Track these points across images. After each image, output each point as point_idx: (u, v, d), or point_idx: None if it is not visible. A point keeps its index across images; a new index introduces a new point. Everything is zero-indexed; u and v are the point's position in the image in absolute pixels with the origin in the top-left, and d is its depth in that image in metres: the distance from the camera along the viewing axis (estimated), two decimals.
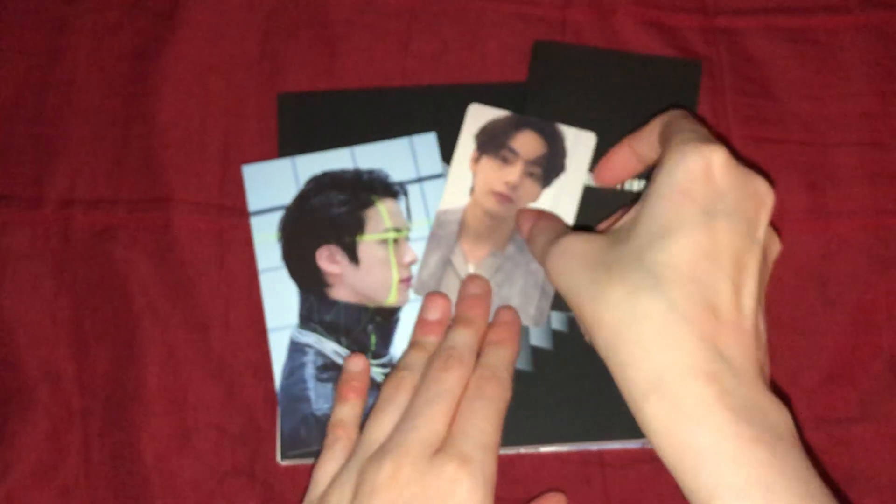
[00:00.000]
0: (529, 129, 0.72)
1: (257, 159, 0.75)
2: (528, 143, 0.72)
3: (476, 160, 0.72)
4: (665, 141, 0.59)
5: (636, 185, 0.72)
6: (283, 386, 0.69)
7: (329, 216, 0.72)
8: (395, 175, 0.73)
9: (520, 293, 0.70)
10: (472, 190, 0.72)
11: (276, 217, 0.72)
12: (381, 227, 0.72)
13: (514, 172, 0.72)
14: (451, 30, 0.78)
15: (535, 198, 0.71)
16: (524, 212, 0.70)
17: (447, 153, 0.73)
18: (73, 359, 0.72)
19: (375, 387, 0.69)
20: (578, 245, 0.59)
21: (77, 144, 0.77)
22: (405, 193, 0.72)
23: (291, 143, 0.74)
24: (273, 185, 0.73)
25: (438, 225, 0.71)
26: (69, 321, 0.73)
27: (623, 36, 0.77)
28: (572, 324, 0.70)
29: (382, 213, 0.72)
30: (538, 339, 0.70)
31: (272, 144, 0.76)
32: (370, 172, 0.73)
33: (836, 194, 0.73)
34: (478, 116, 0.73)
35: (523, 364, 0.69)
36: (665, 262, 0.53)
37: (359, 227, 0.72)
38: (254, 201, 0.73)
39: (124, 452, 0.71)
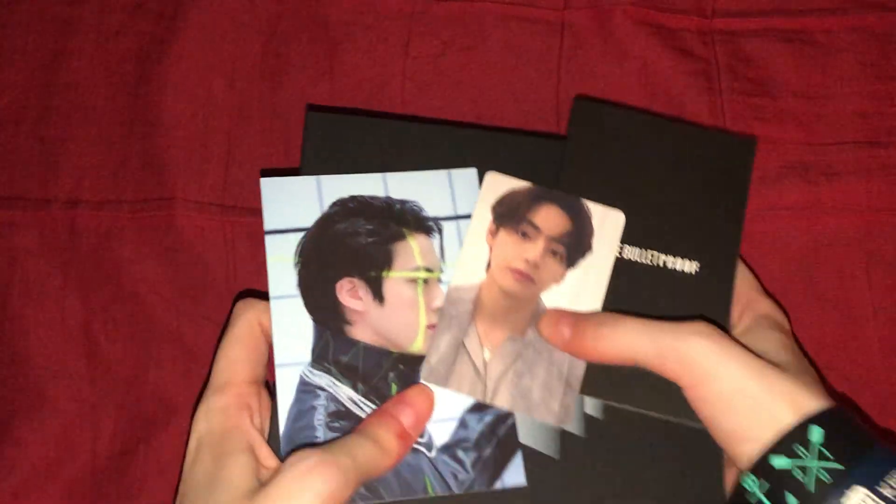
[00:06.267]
0: (552, 202, 0.63)
1: (259, 159, 0.74)
2: (550, 218, 0.63)
3: (493, 233, 0.63)
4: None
5: (670, 262, 0.63)
6: (289, 431, 0.58)
7: (354, 246, 0.62)
8: (430, 209, 0.63)
9: (542, 386, 0.60)
10: (489, 266, 0.62)
11: (294, 239, 0.62)
12: (411, 265, 0.62)
13: (534, 249, 0.63)
14: (450, 31, 0.77)
15: (558, 279, 0.62)
16: (560, 315, 0.61)
17: None
18: (82, 357, 0.71)
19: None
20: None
21: (82, 145, 0.75)
22: (439, 231, 0.63)
23: (316, 162, 0.65)
24: (294, 203, 0.63)
25: (450, 302, 0.61)
26: (78, 320, 0.72)
27: (621, 37, 0.76)
28: (608, 411, 0.61)
29: (413, 250, 0.62)
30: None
31: (274, 145, 0.75)
32: (402, 203, 0.63)
33: (830, 192, 0.73)
34: (495, 185, 0.64)
35: (549, 450, 0.60)
36: None
37: (386, 261, 0.62)
38: (271, 218, 0.62)
39: (137, 451, 0.70)
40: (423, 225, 0.63)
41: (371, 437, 0.56)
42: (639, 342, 0.57)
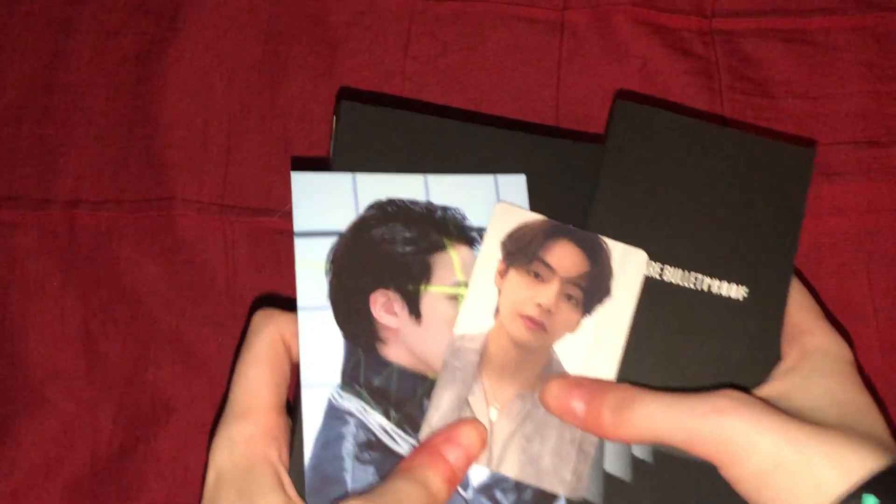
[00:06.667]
0: (567, 239, 0.57)
1: (259, 159, 0.73)
2: (566, 257, 0.57)
3: (502, 273, 0.57)
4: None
5: (715, 287, 0.58)
6: (315, 460, 0.53)
7: (391, 254, 0.56)
8: (474, 218, 0.58)
9: (552, 451, 0.54)
10: (497, 311, 0.56)
11: (327, 243, 0.56)
12: (451, 279, 0.57)
13: (548, 292, 0.56)
14: (450, 31, 0.76)
15: (572, 327, 0.56)
16: (568, 384, 0.55)
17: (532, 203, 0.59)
18: (82, 357, 0.70)
19: (395, 457, 0.54)
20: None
21: (82, 145, 0.74)
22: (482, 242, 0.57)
23: (349, 156, 0.59)
24: (327, 202, 0.57)
25: (453, 354, 0.55)
26: (77, 320, 0.71)
27: (621, 37, 0.75)
28: (657, 454, 0.55)
29: (454, 262, 0.57)
30: (613, 465, 0.55)
31: (274, 145, 0.74)
32: (444, 210, 0.58)
33: (830, 192, 0.72)
34: (505, 218, 0.57)
35: (593, 496, 0.55)
36: None
37: (425, 273, 0.56)
38: (301, 219, 0.56)
39: (136, 451, 0.69)
40: (466, 235, 0.58)
41: (420, 482, 0.51)
42: (663, 426, 0.51)
